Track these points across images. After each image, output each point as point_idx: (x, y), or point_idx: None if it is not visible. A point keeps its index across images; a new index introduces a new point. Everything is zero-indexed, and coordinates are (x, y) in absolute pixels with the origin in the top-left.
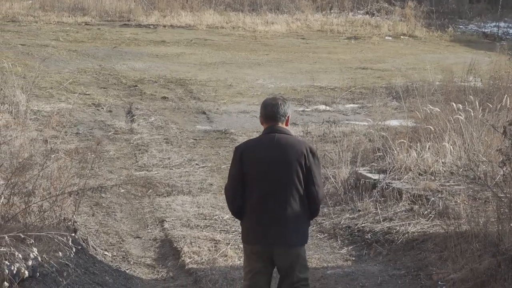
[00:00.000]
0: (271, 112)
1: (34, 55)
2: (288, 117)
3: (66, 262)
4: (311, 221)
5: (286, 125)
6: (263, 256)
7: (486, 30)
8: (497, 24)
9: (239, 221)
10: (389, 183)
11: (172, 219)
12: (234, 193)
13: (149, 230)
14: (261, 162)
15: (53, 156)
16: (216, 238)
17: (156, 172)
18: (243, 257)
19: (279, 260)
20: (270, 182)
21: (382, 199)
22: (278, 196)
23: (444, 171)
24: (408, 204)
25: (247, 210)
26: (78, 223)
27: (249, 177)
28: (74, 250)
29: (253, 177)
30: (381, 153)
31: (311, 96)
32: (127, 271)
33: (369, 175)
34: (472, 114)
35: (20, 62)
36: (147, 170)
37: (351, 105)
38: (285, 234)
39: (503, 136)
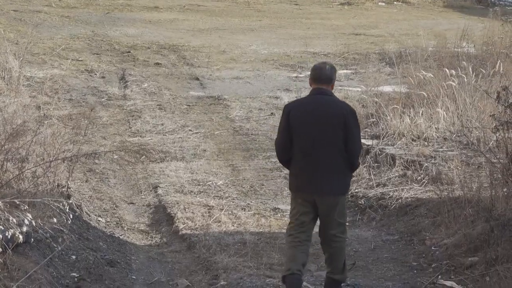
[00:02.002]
0: (319, 75)
1: (27, 21)
2: (334, 81)
3: (60, 228)
4: (353, 173)
5: (331, 88)
6: (307, 201)
7: None
8: None
9: (232, 187)
10: (382, 148)
11: (166, 185)
12: (283, 147)
13: (142, 196)
14: (306, 120)
15: (46, 122)
16: (209, 204)
17: (149, 138)
18: (290, 202)
19: (320, 206)
20: (314, 138)
21: (376, 164)
22: (320, 151)
23: (437, 137)
24: (402, 169)
25: (294, 161)
26: (71, 189)
27: (296, 133)
28: (71, 217)
29: (299, 133)
30: (375, 119)
31: (304, 62)
32: (121, 237)
33: (363, 141)
34: (465, 80)
35: (13, 28)
36: (140, 136)
37: (344, 71)
38: (326, 183)
39: (496, 101)
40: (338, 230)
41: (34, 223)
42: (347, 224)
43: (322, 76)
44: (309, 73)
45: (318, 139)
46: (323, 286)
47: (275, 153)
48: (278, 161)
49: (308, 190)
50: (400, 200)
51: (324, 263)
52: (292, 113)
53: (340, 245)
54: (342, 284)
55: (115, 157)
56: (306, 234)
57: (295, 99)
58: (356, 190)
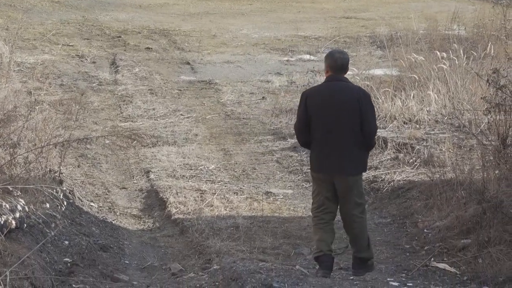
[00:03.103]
0: (340, 65)
1: (17, 7)
2: (348, 67)
3: (53, 213)
4: (369, 152)
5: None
6: (326, 181)
7: None
8: None
9: (224, 171)
10: None
11: (158, 170)
12: (301, 131)
13: (134, 181)
14: (323, 105)
15: (37, 107)
16: (202, 188)
17: (141, 123)
18: (312, 184)
19: (338, 186)
20: (331, 122)
21: None
22: (337, 133)
23: (429, 120)
24: (393, 152)
25: (313, 144)
26: (63, 174)
27: (313, 118)
28: (66, 203)
29: (316, 118)
30: None
31: (295, 45)
32: (113, 222)
33: None
34: (457, 62)
35: (3, 14)
36: (132, 121)
37: None
38: (342, 165)
39: (488, 84)
40: (357, 210)
41: (27, 209)
42: (366, 205)
43: (343, 67)
44: (324, 60)
45: (335, 123)
46: (351, 267)
47: (295, 137)
48: (271, 145)
49: (327, 171)
50: (392, 183)
51: None
52: (309, 100)
53: (361, 225)
54: (368, 262)
55: (107, 142)
56: (330, 214)
57: (312, 86)
58: None
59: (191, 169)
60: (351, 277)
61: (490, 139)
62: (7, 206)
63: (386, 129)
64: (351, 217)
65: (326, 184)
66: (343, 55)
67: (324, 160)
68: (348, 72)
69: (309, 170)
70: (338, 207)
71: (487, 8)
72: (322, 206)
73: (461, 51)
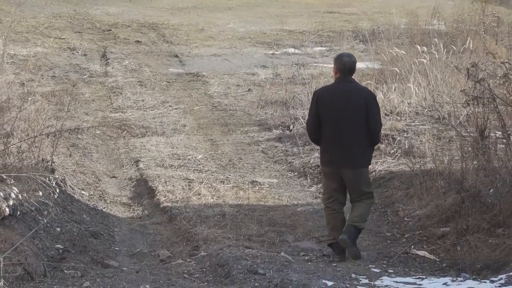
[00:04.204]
0: (349, 68)
1: (10, 0)
2: (355, 69)
3: (46, 201)
4: (374, 147)
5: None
6: (334, 174)
7: None
8: None
9: (212, 161)
10: None
11: (147, 159)
12: (313, 128)
13: (124, 170)
14: (333, 104)
15: (30, 98)
16: (189, 177)
17: (130, 114)
18: (322, 176)
19: (346, 178)
20: (340, 120)
21: None
22: (345, 130)
23: (410, 112)
24: None
25: (323, 139)
26: (55, 163)
27: (324, 116)
28: (58, 191)
29: (327, 116)
30: None
31: (280, 39)
32: (104, 210)
33: None
34: (437, 56)
35: None
36: (122, 112)
37: (319, 48)
38: (349, 159)
39: (467, 77)
40: (365, 197)
41: (20, 197)
42: (373, 191)
43: (351, 69)
44: (334, 62)
45: (344, 120)
46: (343, 232)
47: (307, 133)
48: (256, 136)
49: (336, 164)
50: (374, 173)
51: (301, 235)
52: (320, 99)
53: (369, 201)
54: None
55: (98, 132)
56: (338, 204)
57: (323, 85)
58: None
59: (179, 159)
60: (334, 264)
61: (468, 130)
62: (1, 194)
63: None
64: (360, 201)
65: (334, 176)
66: (350, 58)
67: (333, 155)
68: (331, 65)
69: (294, 160)
70: (347, 196)
71: (466, 3)
72: (331, 197)
73: (441, 46)
